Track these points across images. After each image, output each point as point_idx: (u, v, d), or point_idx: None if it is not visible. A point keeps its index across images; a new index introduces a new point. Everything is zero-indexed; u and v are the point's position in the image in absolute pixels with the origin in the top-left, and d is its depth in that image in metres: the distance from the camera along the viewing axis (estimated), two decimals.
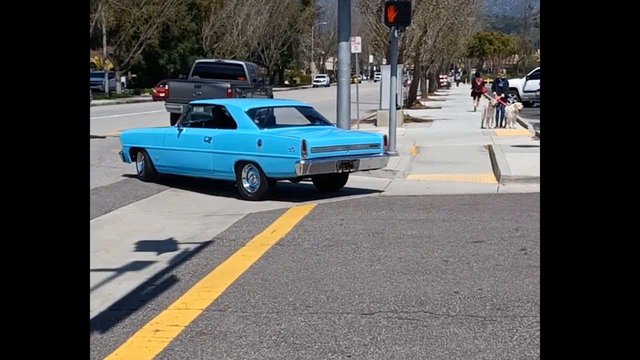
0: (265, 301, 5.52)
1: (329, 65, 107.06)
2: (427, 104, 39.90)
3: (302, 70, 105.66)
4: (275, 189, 10.50)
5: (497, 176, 12.21)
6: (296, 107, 12.55)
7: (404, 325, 4.93)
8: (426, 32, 33.49)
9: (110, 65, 54.60)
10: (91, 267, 6.26)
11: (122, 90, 54.79)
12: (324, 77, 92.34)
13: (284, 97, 36.62)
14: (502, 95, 23.30)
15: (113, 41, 54.91)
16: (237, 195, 10.63)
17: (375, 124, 23.77)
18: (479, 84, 33.12)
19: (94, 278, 6.15)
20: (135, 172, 12.33)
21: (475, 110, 30.51)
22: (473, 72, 52.15)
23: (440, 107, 36.85)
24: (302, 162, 9.69)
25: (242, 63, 25.40)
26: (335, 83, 16.89)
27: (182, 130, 11.37)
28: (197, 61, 26.56)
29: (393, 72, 15.13)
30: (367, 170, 11.16)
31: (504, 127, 22.25)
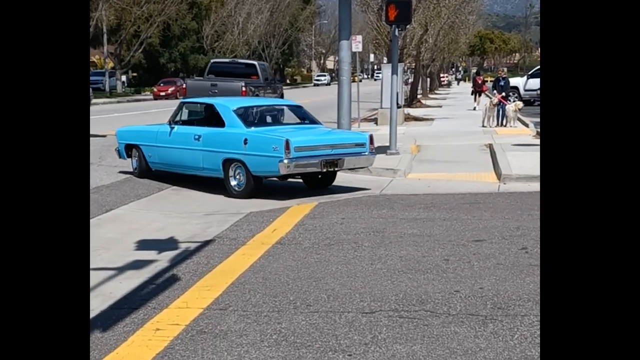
0: (266, 300, 5.52)
1: (329, 64, 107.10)
2: (428, 102, 39.88)
3: (302, 69, 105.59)
4: (262, 187, 10.60)
5: (498, 175, 12.20)
6: (286, 106, 12.75)
7: (405, 324, 4.93)
8: (427, 31, 33.45)
9: (111, 64, 54.61)
10: (92, 266, 6.27)
11: (123, 89, 54.81)
12: (324, 75, 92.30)
13: (285, 96, 36.57)
14: (503, 94, 23.29)
15: (114, 40, 54.93)
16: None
17: (376, 123, 23.76)
18: (479, 82, 33.09)
19: (95, 277, 6.15)
20: (131, 169, 12.57)
21: (475, 109, 30.48)
22: (474, 70, 52.09)
23: (441, 106, 36.82)
24: (286, 161, 9.84)
25: (255, 62, 26.43)
26: (336, 82, 16.88)
27: (173, 128, 11.60)
28: (212, 61, 27.57)
29: (394, 71, 15.12)
30: (353, 169, 11.32)
31: (505, 125, 22.24)
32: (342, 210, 9.25)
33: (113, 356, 4.47)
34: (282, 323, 4.99)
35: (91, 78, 50.76)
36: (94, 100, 39.03)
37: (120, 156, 12.82)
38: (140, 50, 55.25)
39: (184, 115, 12.01)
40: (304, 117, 11.98)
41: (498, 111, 22.75)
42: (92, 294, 5.69)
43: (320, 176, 11.01)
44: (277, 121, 11.86)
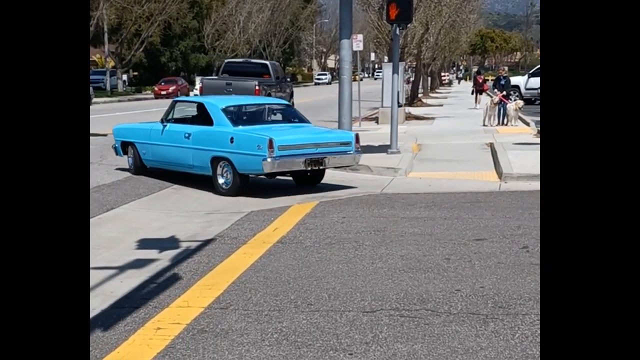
0: (267, 299, 5.52)
1: (330, 63, 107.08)
2: (429, 101, 39.87)
3: (303, 68, 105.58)
4: (248, 185, 10.78)
5: (499, 174, 12.19)
6: (275, 104, 12.93)
7: (406, 323, 4.93)
8: (428, 30, 33.42)
9: (112, 63, 54.63)
10: (93, 265, 6.27)
11: (124, 88, 54.80)
12: (325, 74, 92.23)
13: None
14: (504, 92, 23.27)
15: (115, 39, 54.94)
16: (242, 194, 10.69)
17: (377, 122, 23.76)
18: (480, 81, 33.07)
19: (96, 276, 6.15)
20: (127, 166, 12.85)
21: (476, 107, 30.46)
22: (475, 70, 52.03)
23: (442, 105, 36.81)
24: (269, 159, 10.02)
25: (267, 62, 27.62)
26: (337, 81, 16.88)
27: (165, 126, 11.87)
28: (226, 60, 28.95)
29: (395, 70, 15.11)
30: (338, 167, 11.46)
31: (506, 124, 22.22)
32: (343, 210, 9.25)
33: (114, 355, 4.48)
34: (283, 322, 4.99)
35: (92, 77, 50.85)
36: (95, 99, 39.07)
37: (117, 153, 13.15)
38: (141, 49, 55.26)
39: (176, 113, 12.23)
40: (293, 116, 12.20)
41: (499, 110, 22.74)
42: (93, 293, 5.69)
43: (309, 174, 11.17)
44: (265, 120, 12.01)
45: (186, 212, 9.52)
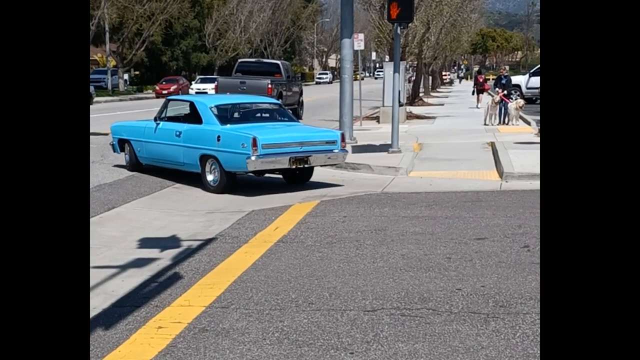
0: (267, 298, 5.52)
1: (331, 62, 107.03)
2: (430, 101, 39.84)
3: (304, 67, 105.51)
4: (236, 182, 10.96)
5: (500, 173, 12.19)
6: (265, 103, 13.12)
7: (407, 322, 4.93)
8: (429, 29, 33.40)
9: (113, 63, 54.63)
10: (94, 264, 6.28)
11: (125, 88, 54.81)
12: (326, 74, 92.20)
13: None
14: (505, 92, 23.26)
15: (116, 38, 54.94)
16: (240, 192, 10.69)
17: (378, 121, 23.75)
18: (481, 80, 33.05)
19: (97, 275, 6.16)
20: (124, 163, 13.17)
21: (477, 106, 30.44)
22: (476, 69, 51.95)
23: (443, 104, 36.78)
24: (253, 157, 10.19)
25: (279, 62, 28.84)
26: (338, 80, 16.89)
27: (159, 124, 12.12)
28: (240, 60, 30.05)
29: (396, 69, 15.11)
30: (323, 166, 11.56)
31: (507, 123, 22.21)
32: (344, 209, 9.25)
33: (115, 354, 4.48)
34: (284, 321, 5.00)
35: (94, 76, 50.91)
36: (96, 99, 39.07)
37: (114, 150, 13.44)
38: (142, 49, 55.25)
39: (169, 112, 12.43)
40: (282, 114, 12.33)
41: (500, 109, 22.72)
42: (94, 292, 5.70)
43: (298, 172, 11.33)
44: (253, 119, 12.18)
45: (187, 211, 9.52)
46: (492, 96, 24.85)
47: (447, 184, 11.37)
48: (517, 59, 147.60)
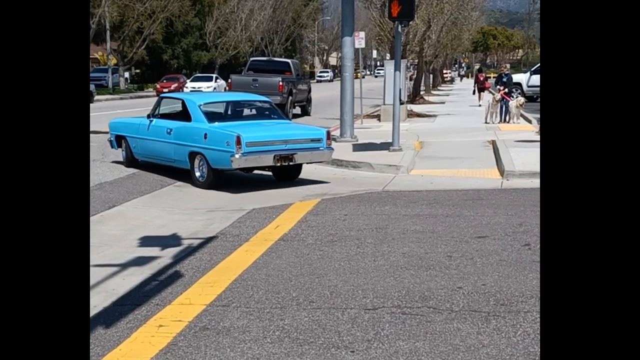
0: (268, 296, 5.52)
1: (332, 61, 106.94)
2: (430, 99, 39.82)
3: (305, 66, 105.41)
4: (223, 178, 11.16)
5: (501, 171, 12.19)
6: (255, 101, 13.24)
7: (408, 321, 4.93)
8: (430, 27, 33.36)
9: (114, 61, 54.60)
10: (95, 263, 6.28)
11: (126, 86, 54.79)
12: (327, 72, 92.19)
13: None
14: (506, 90, 23.24)
15: (117, 36, 54.90)
16: (240, 190, 10.69)
17: (379, 119, 23.74)
18: (481, 79, 33.01)
19: (98, 273, 6.16)
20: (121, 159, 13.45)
21: (480, 104, 30.41)
22: (477, 67, 51.92)
23: (444, 102, 36.76)
24: (237, 155, 10.36)
25: (289, 60, 30.31)
26: (339, 78, 16.89)
27: (152, 121, 12.39)
28: (251, 59, 31.45)
29: (397, 67, 15.10)
30: (309, 163, 11.73)
31: (508, 122, 22.20)
32: (344, 207, 9.25)
33: (116, 353, 4.48)
34: (285, 319, 4.99)
35: (94, 74, 50.93)
36: (97, 97, 39.08)
37: (112, 146, 13.73)
38: (143, 47, 55.22)
39: (162, 109, 12.64)
40: (271, 112, 12.48)
41: (501, 107, 22.71)
42: (95, 291, 5.70)
43: (283, 169, 11.45)
44: (241, 117, 12.34)
45: (188, 210, 9.52)
46: (493, 94, 24.84)
47: (448, 182, 11.36)
48: (518, 57, 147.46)
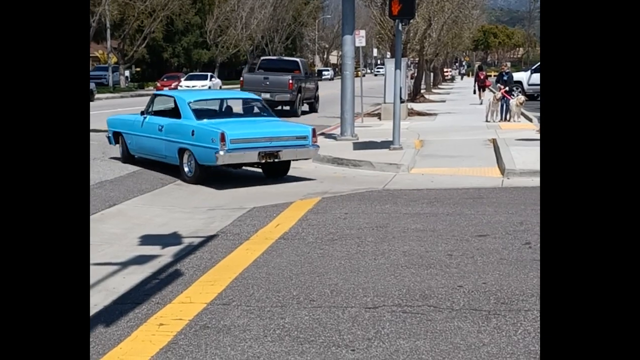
0: (269, 295, 5.52)
1: (333, 59, 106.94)
2: (431, 97, 39.77)
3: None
4: (210, 174, 11.33)
5: (502, 170, 12.18)
6: (244, 99, 13.53)
7: (408, 319, 4.93)
8: (430, 26, 33.32)
9: (115, 59, 54.61)
10: (95, 261, 6.28)
11: (126, 84, 54.80)
12: (328, 70, 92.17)
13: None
14: (507, 88, 23.23)
15: (117, 35, 54.92)
16: (240, 189, 10.70)
17: (380, 118, 23.74)
18: (482, 77, 32.99)
19: (98, 272, 6.16)
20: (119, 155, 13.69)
21: (481, 103, 30.40)
22: (477, 65, 51.90)
23: (444, 101, 36.74)
24: (221, 152, 10.56)
25: (298, 59, 31.65)
26: (339, 76, 16.88)
27: (145, 118, 12.68)
28: (262, 58, 32.66)
29: (397, 66, 15.09)
30: (295, 160, 11.89)
31: (509, 120, 22.19)
32: (345, 206, 9.25)
33: (117, 351, 4.48)
34: (286, 318, 4.99)
35: (95, 73, 50.97)
36: (97, 95, 39.07)
37: (110, 142, 14.08)
38: (143, 45, 55.26)
39: (155, 106, 12.90)
40: (261, 109, 12.64)
41: (502, 106, 22.70)
42: (95, 289, 5.70)
43: (269, 166, 11.64)
44: (229, 114, 12.56)
45: (188, 208, 9.52)
46: (494, 93, 24.82)
47: (449, 181, 11.36)
48: (519, 56, 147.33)
